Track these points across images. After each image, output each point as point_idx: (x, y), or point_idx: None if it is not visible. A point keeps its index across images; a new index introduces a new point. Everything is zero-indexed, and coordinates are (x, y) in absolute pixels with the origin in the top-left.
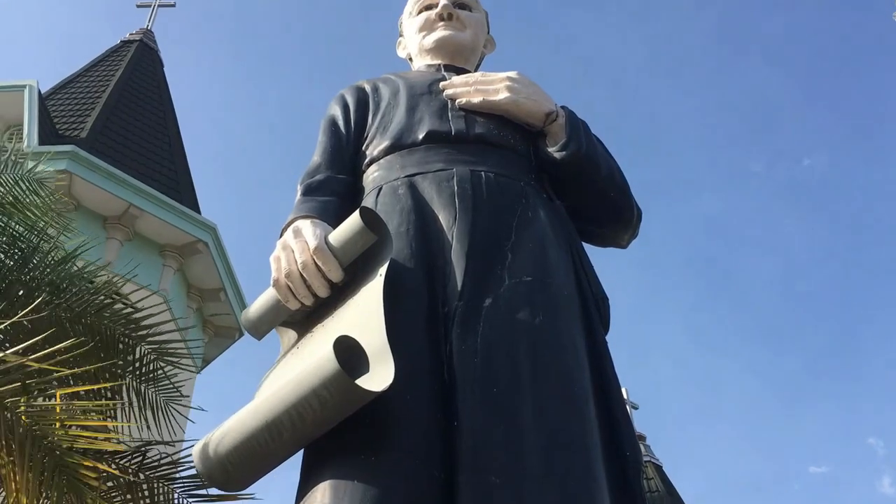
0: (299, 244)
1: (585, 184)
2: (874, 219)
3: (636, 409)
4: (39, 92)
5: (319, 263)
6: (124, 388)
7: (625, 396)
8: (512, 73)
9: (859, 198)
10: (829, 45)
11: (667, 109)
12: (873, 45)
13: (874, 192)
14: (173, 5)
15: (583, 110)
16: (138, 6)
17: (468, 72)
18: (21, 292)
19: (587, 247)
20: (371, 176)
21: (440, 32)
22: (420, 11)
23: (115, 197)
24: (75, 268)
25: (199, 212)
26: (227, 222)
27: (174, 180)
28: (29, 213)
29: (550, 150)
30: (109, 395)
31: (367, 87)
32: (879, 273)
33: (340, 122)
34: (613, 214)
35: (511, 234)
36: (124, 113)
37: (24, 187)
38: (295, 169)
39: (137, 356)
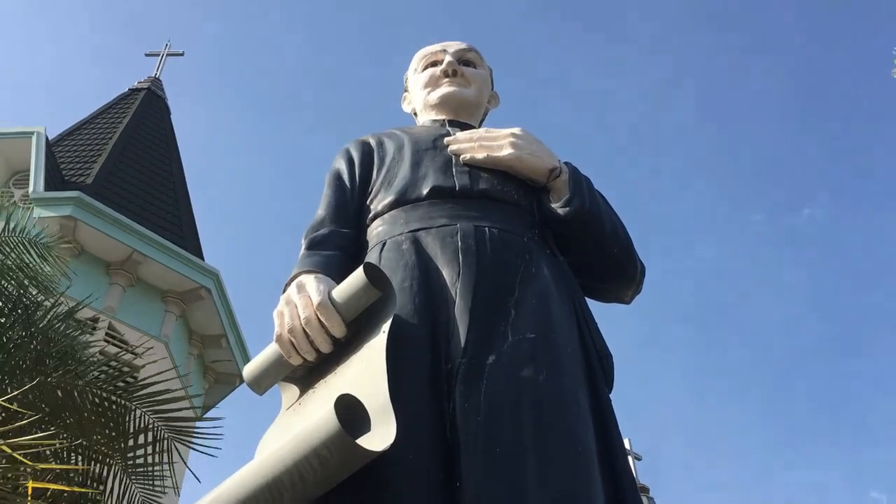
0: (303, 299)
1: (589, 240)
2: (874, 267)
3: (639, 459)
4: (47, 138)
5: (323, 319)
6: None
7: (627, 448)
8: (516, 130)
9: (859, 246)
10: (828, 97)
11: (668, 160)
12: (871, 98)
13: (873, 241)
14: (182, 54)
15: (584, 158)
16: (147, 55)
17: (472, 127)
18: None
19: (590, 301)
20: (375, 230)
21: (445, 89)
22: (425, 68)
23: (119, 243)
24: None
25: (202, 258)
26: (230, 268)
27: (178, 226)
28: (24, 274)
29: (554, 206)
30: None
31: (373, 142)
32: (881, 322)
33: (345, 177)
34: (617, 271)
35: (515, 289)
36: (130, 159)
37: (22, 248)
38: (298, 216)
39: (140, 427)
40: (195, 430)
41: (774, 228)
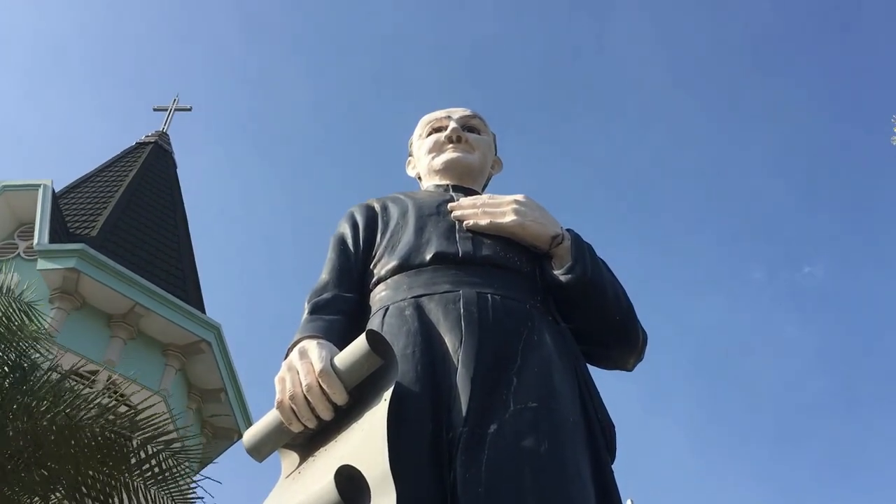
0: (305, 366)
1: (591, 307)
2: (876, 325)
3: None
4: (54, 191)
5: (325, 386)
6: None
7: None
8: (519, 196)
9: (859, 304)
10: (828, 155)
11: (666, 217)
12: (872, 161)
13: (873, 299)
14: (189, 109)
15: (581, 217)
16: (155, 109)
17: (476, 192)
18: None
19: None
20: (378, 295)
21: (449, 154)
22: (430, 133)
23: (121, 295)
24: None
25: (203, 311)
26: (232, 320)
27: (181, 279)
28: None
29: (556, 272)
30: None
31: (377, 206)
32: (885, 380)
33: (349, 241)
34: (619, 338)
35: (517, 357)
36: (135, 212)
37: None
38: (303, 271)
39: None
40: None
41: (775, 286)
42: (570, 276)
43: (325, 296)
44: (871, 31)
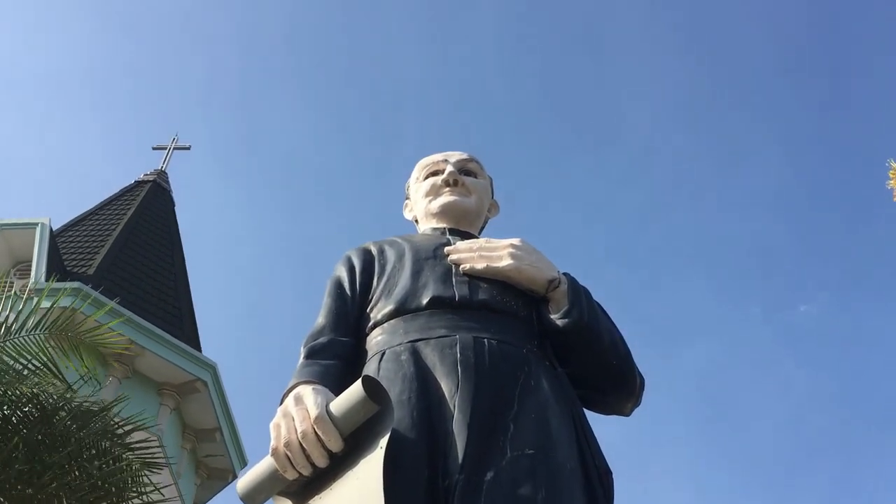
0: (300, 412)
1: (588, 352)
2: (874, 364)
3: None
4: (51, 229)
5: (320, 433)
6: None
7: None
8: (515, 241)
9: (856, 342)
10: (824, 195)
11: (664, 258)
12: (868, 199)
13: (871, 337)
14: (188, 148)
15: (578, 259)
16: (154, 148)
17: (473, 236)
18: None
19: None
20: (374, 340)
21: (446, 198)
22: (427, 177)
23: (116, 334)
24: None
25: (199, 349)
26: (228, 359)
27: (177, 317)
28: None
29: (553, 317)
30: None
31: (374, 250)
32: (883, 420)
33: (346, 284)
34: (616, 383)
35: (514, 403)
36: (133, 251)
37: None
38: (300, 310)
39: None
40: None
41: (772, 325)
42: (566, 320)
43: (322, 340)
44: (866, 74)
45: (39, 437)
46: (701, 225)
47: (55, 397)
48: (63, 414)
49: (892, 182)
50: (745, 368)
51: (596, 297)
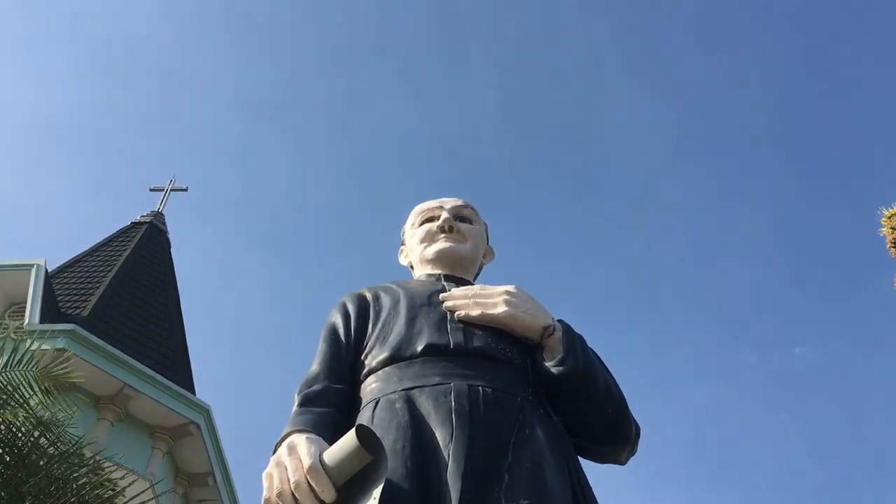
0: (293, 462)
1: (583, 400)
2: (870, 407)
3: None
4: (46, 271)
5: (313, 483)
6: None
7: None
8: (510, 287)
9: (852, 386)
10: (817, 241)
11: (657, 300)
12: (860, 245)
13: (866, 381)
14: (185, 189)
15: (573, 304)
16: (151, 190)
17: (468, 282)
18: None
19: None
20: (369, 387)
21: (441, 244)
22: (422, 223)
23: (110, 376)
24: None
25: (193, 392)
26: (222, 402)
27: (171, 360)
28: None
29: (548, 364)
30: None
31: (369, 296)
32: (880, 464)
33: (341, 331)
34: (611, 432)
35: (508, 453)
36: (128, 292)
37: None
38: (295, 353)
39: None
40: None
41: (767, 369)
42: (561, 367)
43: (316, 387)
44: (859, 120)
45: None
46: (695, 269)
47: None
48: (34, 456)
49: (884, 230)
50: (742, 412)
51: (590, 339)
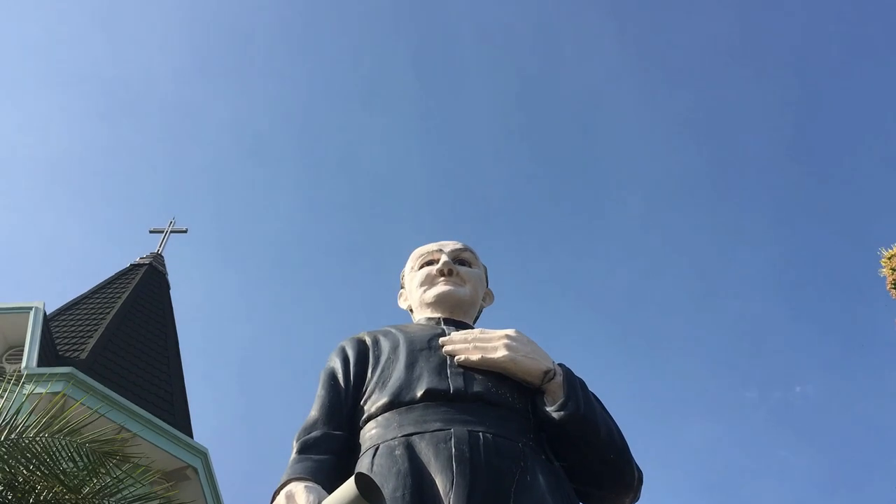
0: None
1: (584, 445)
2: (868, 444)
3: None
4: (45, 314)
5: None
6: None
7: None
8: (510, 331)
9: (851, 423)
10: (818, 280)
11: (656, 338)
12: (861, 284)
13: (865, 418)
14: (185, 231)
15: (572, 339)
16: (151, 232)
17: (468, 325)
18: None
19: None
20: (368, 433)
21: (440, 287)
22: (422, 266)
23: (108, 420)
24: None
25: (191, 435)
26: (220, 445)
27: (169, 402)
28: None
29: (549, 409)
30: None
31: (368, 340)
32: (881, 501)
33: (340, 376)
34: (613, 477)
35: (509, 500)
36: (126, 335)
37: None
38: (295, 396)
39: None
40: None
41: (768, 406)
42: (562, 412)
43: (314, 434)
44: (859, 161)
45: None
46: (695, 306)
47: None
48: None
49: (884, 270)
50: (743, 448)
51: (587, 376)
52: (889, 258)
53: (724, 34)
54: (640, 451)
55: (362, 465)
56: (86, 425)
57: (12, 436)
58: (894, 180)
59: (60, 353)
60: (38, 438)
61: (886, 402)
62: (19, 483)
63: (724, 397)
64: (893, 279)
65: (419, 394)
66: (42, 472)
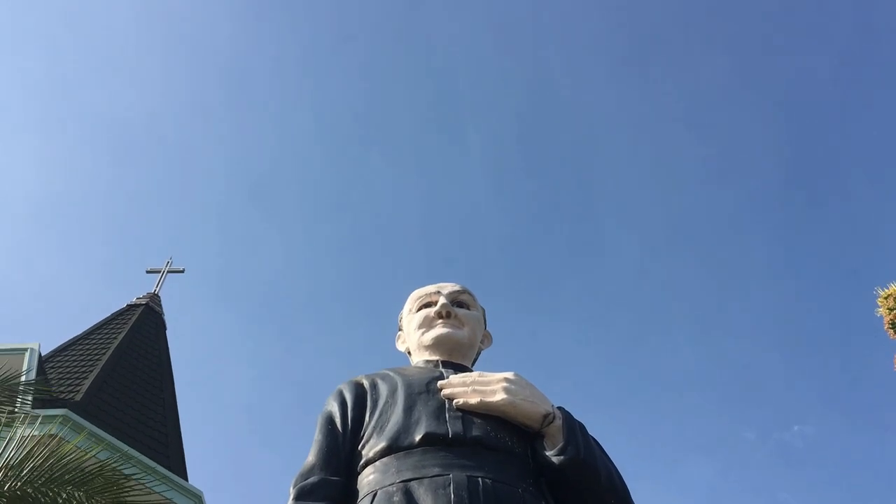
0: None
1: (585, 489)
2: (867, 485)
3: None
4: (40, 355)
5: None
6: None
7: None
8: (508, 374)
9: (851, 462)
10: (815, 319)
11: (656, 378)
12: (858, 324)
13: (865, 459)
14: (182, 271)
15: (571, 382)
16: (148, 272)
17: (466, 368)
18: None
19: None
20: (366, 479)
21: (439, 330)
22: (420, 308)
23: (101, 461)
24: None
25: (186, 477)
26: (215, 488)
27: (164, 444)
28: None
29: (548, 453)
30: None
31: (366, 384)
32: None
33: (337, 420)
34: None
35: None
36: (122, 376)
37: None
38: (291, 438)
39: None
40: None
41: (767, 446)
42: (562, 457)
43: (312, 480)
44: (854, 203)
45: None
46: (692, 348)
47: None
48: None
49: (881, 310)
50: (742, 489)
51: (588, 418)
52: (885, 298)
53: (719, 77)
54: (640, 493)
55: None
56: (80, 467)
57: (5, 480)
58: (890, 220)
59: (55, 394)
60: (31, 481)
61: (886, 442)
62: None
63: (724, 438)
64: (890, 319)
65: (417, 438)
66: None
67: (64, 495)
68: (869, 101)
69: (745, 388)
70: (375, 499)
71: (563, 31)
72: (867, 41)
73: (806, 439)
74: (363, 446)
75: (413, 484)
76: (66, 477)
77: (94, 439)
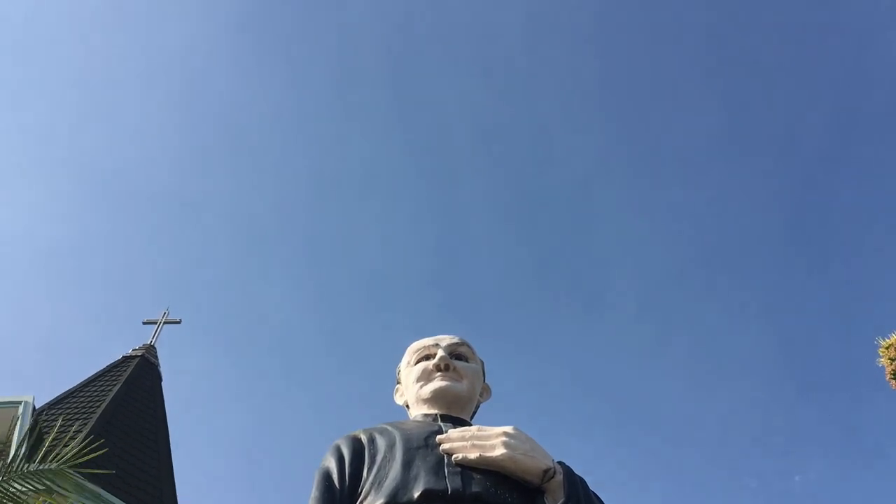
0: None
1: None
2: None
3: None
4: (34, 408)
5: None
6: None
7: None
8: (508, 428)
9: None
10: (815, 365)
11: (656, 426)
12: (860, 370)
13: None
14: (179, 322)
15: (568, 426)
16: (145, 323)
17: (465, 422)
18: None
19: None
20: None
21: (437, 383)
22: (418, 361)
23: None
24: None
25: None
26: None
27: (158, 499)
28: None
29: None
30: None
31: (364, 438)
32: None
33: (335, 476)
34: None
35: None
36: (117, 429)
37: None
38: (287, 491)
39: None
40: None
41: (768, 495)
42: None
43: None
44: (855, 249)
45: None
46: (691, 395)
47: None
48: None
49: (882, 360)
50: None
51: (588, 468)
52: (887, 348)
53: (713, 125)
54: None
55: None
56: None
57: None
58: (890, 269)
59: (49, 448)
60: None
61: (888, 492)
62: None
63: (725, 487)
64: (892, 369)
65: (416, 494)
66: None
67: None
68: (869, 148)
69: (745, 437)
70: None
71: (560, 83)
72: (862, 95)
73: (807, 488)
74: (361, 502)
75: None
76: None
77: (88, 494)
